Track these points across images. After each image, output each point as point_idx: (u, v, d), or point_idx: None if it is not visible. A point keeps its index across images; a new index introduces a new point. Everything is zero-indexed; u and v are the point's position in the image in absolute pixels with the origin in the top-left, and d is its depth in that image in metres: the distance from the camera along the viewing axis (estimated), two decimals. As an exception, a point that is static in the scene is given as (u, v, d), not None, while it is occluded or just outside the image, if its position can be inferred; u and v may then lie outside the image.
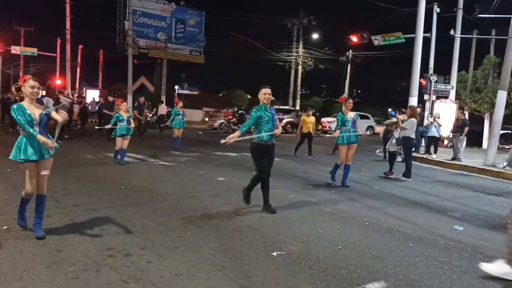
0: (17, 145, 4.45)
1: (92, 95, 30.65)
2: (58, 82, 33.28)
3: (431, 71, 20.46)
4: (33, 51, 33.05)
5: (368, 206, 6.96)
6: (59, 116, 4.59)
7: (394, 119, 12.07)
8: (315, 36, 37.15)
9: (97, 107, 22.02)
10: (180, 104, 14.39)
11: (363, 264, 4.26)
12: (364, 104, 47.24)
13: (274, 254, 4.42)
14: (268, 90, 6.15)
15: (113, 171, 9.11)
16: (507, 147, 18.71)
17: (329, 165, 11.60)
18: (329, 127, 29.36)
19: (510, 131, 22.58)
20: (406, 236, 5.30)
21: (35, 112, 4.46)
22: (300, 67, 37.16)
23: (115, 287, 3.51)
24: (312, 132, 14.03)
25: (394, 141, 10.58)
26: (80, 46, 38.31)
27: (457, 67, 21.90)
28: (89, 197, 6.57)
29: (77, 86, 38.77)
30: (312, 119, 13.99)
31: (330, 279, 3.84)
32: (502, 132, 19.11)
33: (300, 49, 36.87)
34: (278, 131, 6.18)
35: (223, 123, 24.61)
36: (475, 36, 24.26)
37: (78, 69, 39.27)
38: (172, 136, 14.18)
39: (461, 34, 21.45)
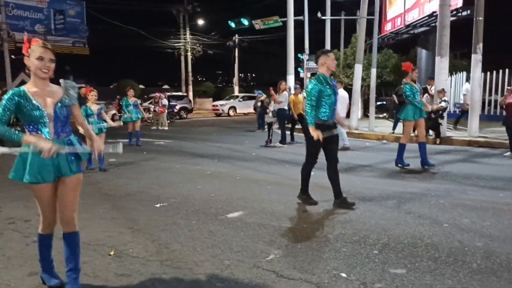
0: (20, 156, 2.85)
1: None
2: None
3: (306, 51, 22.58)
4: None
5: (243, 167, 8.20)
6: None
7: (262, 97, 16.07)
8: (201, 22, 37.98)
9: None
10: (131, 92, 12.01)
11: (229, 203, 5.41)
12: (259, 86, 49.40)
13: (157, 205, 5.37)
14: (333, 55, 5.10)
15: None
16: (381, 116, 21.56)
17: (217, 141, 12.72)
18: (222, 110, 30.58)
19: (384, 102, 25.76)
20: (267, 182, 6.59)
21: (47, 101, 2.83)
22: (189, 53, 37.77)
23: (18, 241, 4.19)
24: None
25: (270, 114, 12.02)
26: None
27: (330, 46, 24.33)
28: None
29: None
30: (301, 98, 11.48)
31: (201, 215, 4.90)
32: (378, 103, 22.08)
33: (188, 36, 37.44)
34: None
35: (114, 114, 24.59)
36: (343, 17, 27.01)
37: None
38: (128, 133, 12.03)
39: (330, 16, 23.84)
